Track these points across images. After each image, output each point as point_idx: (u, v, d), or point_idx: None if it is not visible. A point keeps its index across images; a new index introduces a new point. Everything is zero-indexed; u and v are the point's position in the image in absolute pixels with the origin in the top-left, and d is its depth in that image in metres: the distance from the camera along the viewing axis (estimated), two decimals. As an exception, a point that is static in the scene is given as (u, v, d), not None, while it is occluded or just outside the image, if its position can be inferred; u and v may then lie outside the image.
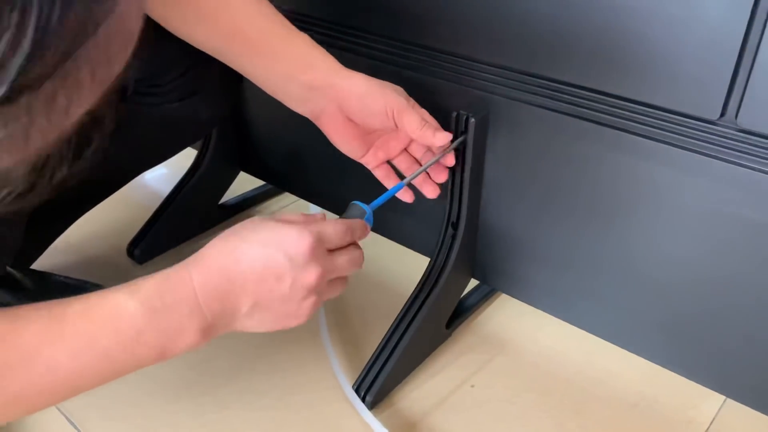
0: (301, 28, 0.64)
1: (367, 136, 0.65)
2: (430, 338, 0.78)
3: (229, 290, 0.49)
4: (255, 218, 0.54)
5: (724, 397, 0.72)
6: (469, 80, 0.67)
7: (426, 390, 0.75)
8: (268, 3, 0.64)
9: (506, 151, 0.69)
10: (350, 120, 0.63)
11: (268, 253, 0.49)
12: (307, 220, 0.54)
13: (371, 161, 0.66)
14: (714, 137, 0.55)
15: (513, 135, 0.67)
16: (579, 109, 0.61)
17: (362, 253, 0.58)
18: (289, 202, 1.08)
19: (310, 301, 0.52)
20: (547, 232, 0.71)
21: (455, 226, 0.73)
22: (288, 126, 0.90)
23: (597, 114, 0.60)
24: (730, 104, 0.53)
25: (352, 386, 0.72)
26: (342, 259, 0.55)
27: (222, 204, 1.03)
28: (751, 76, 0.50)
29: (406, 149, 0.66)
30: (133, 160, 0.83)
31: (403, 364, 0.74)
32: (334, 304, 0.87)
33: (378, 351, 0.72)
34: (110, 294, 0.47)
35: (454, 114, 0.66)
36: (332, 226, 0.54)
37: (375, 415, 0.71)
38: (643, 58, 0.55)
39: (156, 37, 0.64)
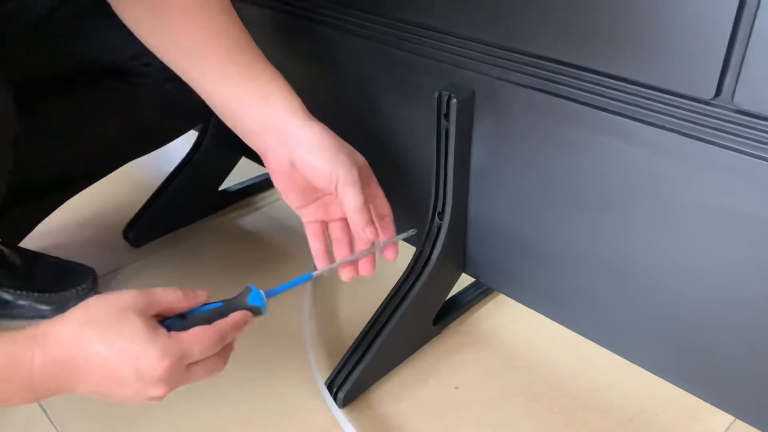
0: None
1: (311, 190, 0.58)
2: (414, 334, 0.73)
3: (69, 379, 0.49)
4: (129, 304, 0.49)
5: (732, 418, 0.65)
6: (453, 58, 0.62)
7: (407, 389, 0.70)
8: (237, 21, 0.58)
9: (494, 136, 0.64)
10: (296, 168, 0.56)
11: (120, 365, 0.48)
12: (176, 339, 0.49)
13: (307, 216, 0.60)
14: (709, 119, 0.48)
15: (500, 118, 0.62)
16: (567, 89, 0.56)
17: (224, 362, 0.53)
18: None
19: (151, 402, 0.51)
20: (540, 225, 0.65)
21: (441, 216, 0.69)
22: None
23: (586, 94, 0.55)
24: (726, 81, 0.46)
25: (325, 382, 0.68)
26: (199, 372, 0.51)
27: (223, 190, 1.00)
28: (749, 48, 0.44)
29: (345, 218, 0.58)
30: (129, 142, 0.82)
31: (381, 360, 0.69)
32: (323, 298, 0.83)
33: (354, 346, 0.68)
34: None
35: (436, 94, 0.61)
36: (201, 341, 0.50)
37: (348, 414, 0.67)
38: (632, 29, 0.49)
39: None
